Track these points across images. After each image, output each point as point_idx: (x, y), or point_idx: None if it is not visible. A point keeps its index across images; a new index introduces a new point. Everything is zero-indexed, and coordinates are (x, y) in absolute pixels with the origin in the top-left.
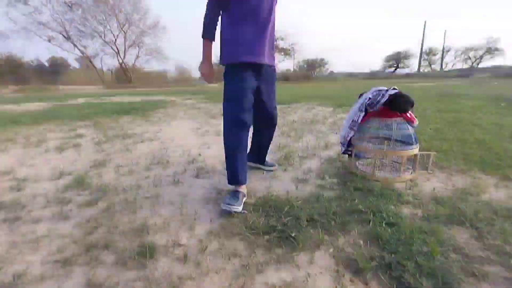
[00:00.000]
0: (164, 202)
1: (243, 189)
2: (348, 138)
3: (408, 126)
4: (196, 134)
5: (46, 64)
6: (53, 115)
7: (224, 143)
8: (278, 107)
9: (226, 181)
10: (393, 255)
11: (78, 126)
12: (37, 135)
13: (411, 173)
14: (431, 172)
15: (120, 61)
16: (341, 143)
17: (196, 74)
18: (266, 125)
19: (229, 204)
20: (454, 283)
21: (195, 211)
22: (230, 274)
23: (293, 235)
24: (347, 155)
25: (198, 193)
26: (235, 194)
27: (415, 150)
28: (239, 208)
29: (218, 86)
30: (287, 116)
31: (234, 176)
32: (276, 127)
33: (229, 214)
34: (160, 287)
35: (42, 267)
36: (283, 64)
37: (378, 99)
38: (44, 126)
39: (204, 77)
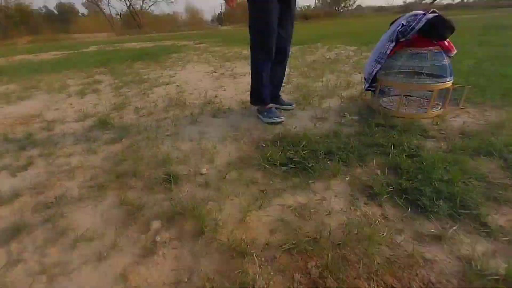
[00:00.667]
0: (184, 139)
1: (270, 106)
2: (374, 73)
3: (445, 56)
4: (211, 77)
5: (55, 11)
6: (69, 63)
7: (252, 67)
8: (295, 48)
9: (244, 119)
10: (411, 182)
11: (95, 73)
12: (58, 82)
13: (440, 109)
14: (463, 107)
15: (128, 3)
16: (365, 79)
17: (208, 17)
18: (278, 59)
19: (272, 117)
20: (473, 206)
21: (214, 146)
22: (249, 197)
23: (310, 165)
24: (370, 92)
25: (216, 131)
26: (270, 111)
27: (448, 83)
28: (283, 118)
29: (231, 29)
30: (306, 56)
31: (262, 95)
32: (295, 69)
33: (246, 149)
34: (185, 207)
35: (80, 190)
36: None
37: (413, 25)
38: (63, 74)
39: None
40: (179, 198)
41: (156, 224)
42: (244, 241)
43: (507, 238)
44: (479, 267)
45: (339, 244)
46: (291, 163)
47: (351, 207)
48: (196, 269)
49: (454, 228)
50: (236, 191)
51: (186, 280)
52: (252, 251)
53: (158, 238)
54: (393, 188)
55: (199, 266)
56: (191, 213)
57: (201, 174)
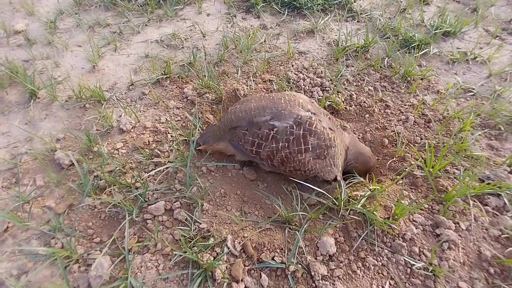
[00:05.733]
0: None
1: None
2: None
3: None
4: None
5: None
6: None
7: None
8: None
9: None
10: None
11: None
12: None
13: None
14: None
15: None
16: None
17: None
18: None
19: None
20: None
21: None
22: (98, 42)
23: None
24: None
25: None
26: None
27: None
28: None
29: None
30: None
31: None
32: None
33: None
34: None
35: None
36: None
37: None
38: None
39: None
40: None
41: None
42: (99, 88)
43: (368, 15)
44: (344, 44)
45: (216, 62)
46: None
47: (228, 25)
48: (37, 134)
49: (325, 19)
50: (78, 40)
51: (25, 151)
52: (112, 95)
53: None
54: None
55: (42, 131)
56: (10, 80)
57: (18, 32)
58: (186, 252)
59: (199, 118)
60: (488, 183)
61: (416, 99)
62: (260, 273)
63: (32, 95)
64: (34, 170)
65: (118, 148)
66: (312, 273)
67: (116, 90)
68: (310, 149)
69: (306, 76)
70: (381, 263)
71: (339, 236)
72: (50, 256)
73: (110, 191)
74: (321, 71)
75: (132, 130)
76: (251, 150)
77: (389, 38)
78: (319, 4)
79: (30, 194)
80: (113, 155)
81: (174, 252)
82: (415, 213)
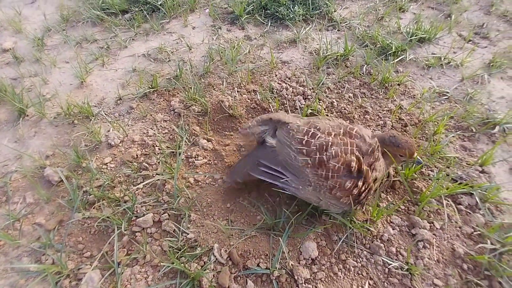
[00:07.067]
0: None
1: None
2: None
3: None
4: None
5: None
6: None
7: None
8: None
9: None
10: None
11: None
12: None
13: None
14: None
15: None
16: None
17: None
18: None
19: None
20: (322, 5)
21: (18, 12)
22: (86, 58)
23: (159, 3)
24: None
25: None
26: None
27: None
28: None
29: None
30: None
31: None
32: None
33: (70, 4)
34: None
35: None
36: None
37: None
38: None
39: None
40: None
41: None
42: (87, 104)
43: (347, 23)
44: (325, 53)
45: (202, 74)
46: (135, 6)
47: (213, 37)
48: (27, 152)
49: (307, 29)
50: (65, 57)
51: (15, 169)
52: (100, 111)
53: None
54: (253, 6)
55: (31, 148)
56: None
57: (6, 50)
58: (174, 263)
59: (185, 130)
60: (461, 183)
61: (393, 104)
62: (246, 280)
63: (21, 113)
64: (24, 188)
65: (107, 163)
66: (296, 277)
67: (104, 105)
68: (359, 137)
69: (289, 85)
70: (360, 264)
71: (321, 240)
72: (41, 272)
73: (99, 206)
74: (303, 80)
75: (120, 145)
76: (301, 140)
77: (367, 46)
78: (301, 15)
79: (20, 211)
80: (102, 170)
81: (162, 264)
82: (392, 214)
